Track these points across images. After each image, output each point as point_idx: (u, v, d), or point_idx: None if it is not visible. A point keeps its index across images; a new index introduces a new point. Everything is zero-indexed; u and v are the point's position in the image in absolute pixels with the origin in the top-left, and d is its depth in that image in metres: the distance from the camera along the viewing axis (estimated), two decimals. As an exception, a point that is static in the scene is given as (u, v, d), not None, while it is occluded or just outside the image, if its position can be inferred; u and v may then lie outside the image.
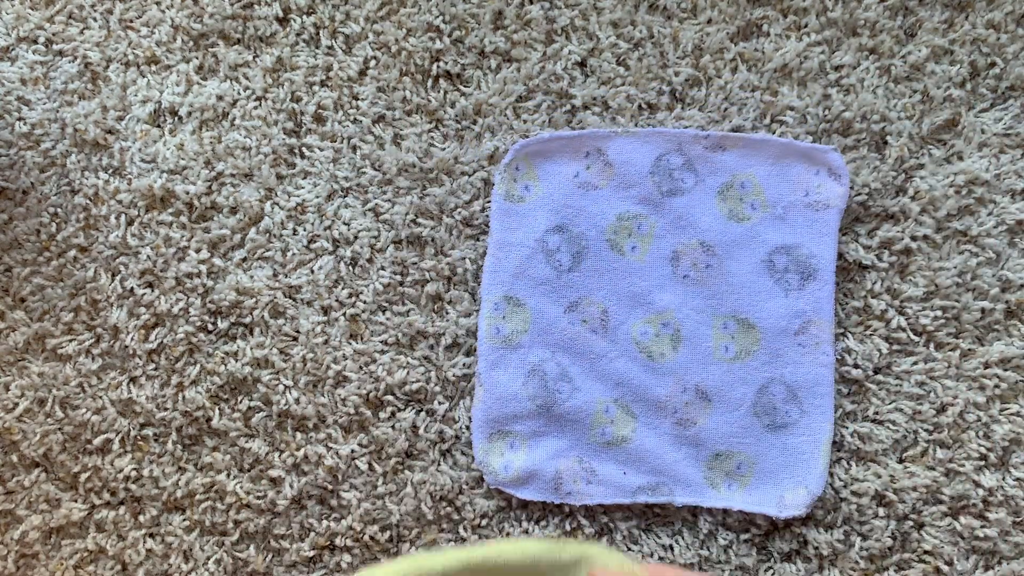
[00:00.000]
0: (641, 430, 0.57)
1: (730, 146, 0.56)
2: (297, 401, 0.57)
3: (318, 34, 0.57)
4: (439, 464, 0.57)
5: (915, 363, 0.56)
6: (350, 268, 0.57)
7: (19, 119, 0.57)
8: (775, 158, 0.56)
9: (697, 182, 0.56)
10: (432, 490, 0.57)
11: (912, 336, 0.56)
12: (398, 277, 0.57)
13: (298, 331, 0.57)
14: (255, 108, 0.57)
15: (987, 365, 0.56)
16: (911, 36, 0.57)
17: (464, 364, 0.57)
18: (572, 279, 0.57)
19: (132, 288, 0.57)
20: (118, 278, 0.57)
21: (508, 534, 0.57)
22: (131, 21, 0.57)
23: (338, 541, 0.57)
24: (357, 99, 0.57)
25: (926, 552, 0.56)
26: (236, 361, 0.57)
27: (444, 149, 0.57)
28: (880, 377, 0.56)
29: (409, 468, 0.57)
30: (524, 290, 0.57)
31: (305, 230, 0.57)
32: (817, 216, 0.56)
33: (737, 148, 0.56)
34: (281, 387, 0.57)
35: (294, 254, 0.57)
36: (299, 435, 0.57)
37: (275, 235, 0.57)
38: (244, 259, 0.57)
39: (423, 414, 0.57)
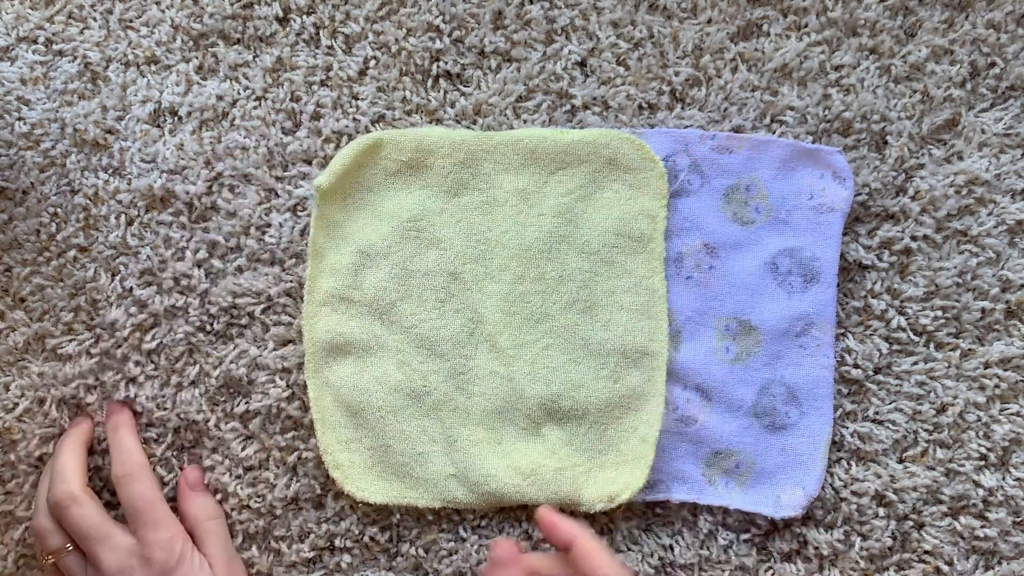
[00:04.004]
0: (641, 430, 0.57)
1: (736, 147, 0.56)
2: (296, 402, 0.57)
3: (318, 34, 0.57)
4: (439, 464, 0.57)
5: (915, 363, 0.56)
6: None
7: (19, 119, 0.57)
8: (781, 161, 0.56)
9: (703, 184, 0.56)
10: (432, 490, 0.57)
11: (912, 336, 0.56)
12: (398, 277, 0.57)
13: (298, 332, 0.57)
14: (255, 108, 0.57)
15: (987, 365, 0.56)
16: (911, 36, 0.57)
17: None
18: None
19: (132, 288, 0.57)
20: (118, 278, 0.57)
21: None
22: (131, 21, 0.57)
23: (337, 542, 0.57)
24: (357, 99, 0.57)
25: (926, 552, 0.56)
26: (235, 362, 0.57)
27: (444, 149, 0.57)
28: (880, 377, 0.56)
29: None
30: None
31: (306, 231, 0.57)
32: (821, 219, 0.56)
33: (743, 150, 0.56)
34: (280, 389, 0.57)
35: (294, 254, 0.57)
36: (297, 439, 0.57)
37: (275, 235, 0.57)
38: (244, 259, 0.57)
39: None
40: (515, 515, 0.57)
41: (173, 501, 0.56)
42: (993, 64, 0.56)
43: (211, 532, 0.55)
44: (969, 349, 0.56)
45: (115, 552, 0.51)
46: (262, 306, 0.57)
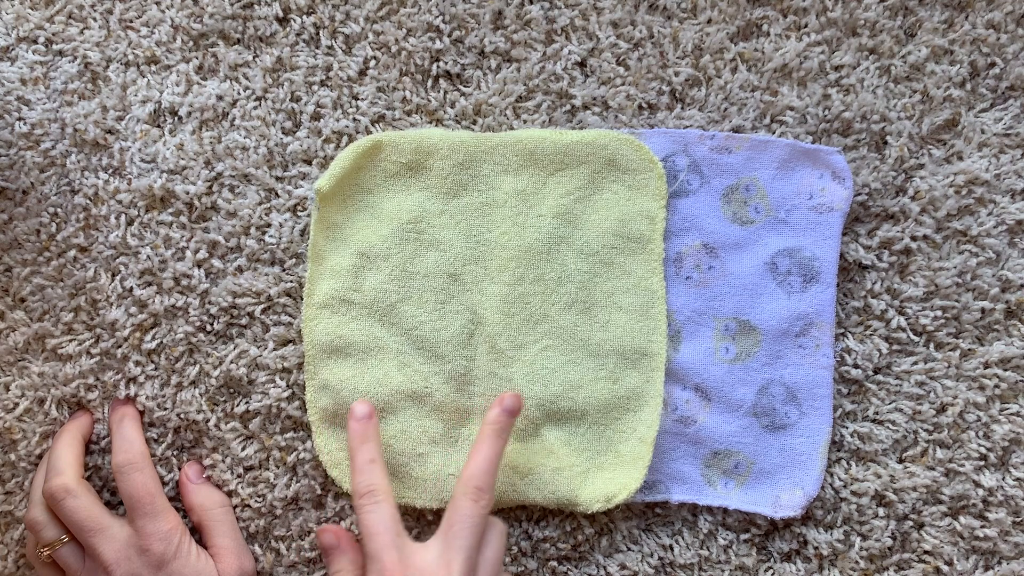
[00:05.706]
0: (641, 430, 0.57)
1: (735, 148, 0.56)
2: (296, 402, 0.57)
3: (318, 34, 0.57)
4: (439, 464, 0.57)
5: (915, 363, 0.56)
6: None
7: (19, 119, 0.57)
8: (780, 161, 0.56)
9: (703, 184, 0.56)
10: (432, 490, 0.57)
11: (912, 336, 0.56)
12: (398, 277, 0.57)
13: (298, 332, 0.57)
14: (255, 108, 0.57)
15: (987, 365, 0.56)
16: (911, 36, 0.57)
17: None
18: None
19: (132, 288, 0.57)
20: (118, 278, 0.57)
21: (508, 535, 0.57)
22: (131, 21, 0.57)
23: (338, 541, 0.57)
24: (357, 99, 0.57)
25: (926, 552, 0.56)
26: (235, 362, 0.57)
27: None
28: (880, 377, 0.56)
29: (409, 468, 0.57)
30: None
31: (306, 231, 0.57)
32: (820, 219, 0.56)
33: (743, 150, 0.56)
34: (280, 389, 0.57)
35: (294, 254, 0.57)
36: (297, 439, 0.57)
37: (275, 235, 0.57)
38: (244, 259, 0.57)
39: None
40: (515, 515, 0.57)
41: (174, 500, 0.56)
42: (993, 64, 0.56)
43: (219, 520, 0.55)
44: (969, 349, 0.56)
45: (113, 543, 0.51)
46: (262, 306, 0.57)
